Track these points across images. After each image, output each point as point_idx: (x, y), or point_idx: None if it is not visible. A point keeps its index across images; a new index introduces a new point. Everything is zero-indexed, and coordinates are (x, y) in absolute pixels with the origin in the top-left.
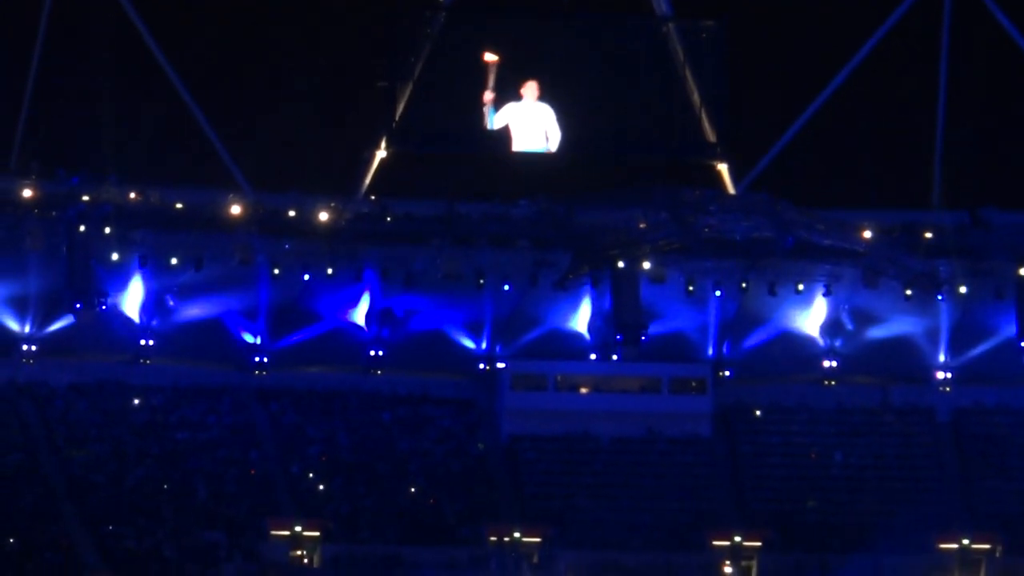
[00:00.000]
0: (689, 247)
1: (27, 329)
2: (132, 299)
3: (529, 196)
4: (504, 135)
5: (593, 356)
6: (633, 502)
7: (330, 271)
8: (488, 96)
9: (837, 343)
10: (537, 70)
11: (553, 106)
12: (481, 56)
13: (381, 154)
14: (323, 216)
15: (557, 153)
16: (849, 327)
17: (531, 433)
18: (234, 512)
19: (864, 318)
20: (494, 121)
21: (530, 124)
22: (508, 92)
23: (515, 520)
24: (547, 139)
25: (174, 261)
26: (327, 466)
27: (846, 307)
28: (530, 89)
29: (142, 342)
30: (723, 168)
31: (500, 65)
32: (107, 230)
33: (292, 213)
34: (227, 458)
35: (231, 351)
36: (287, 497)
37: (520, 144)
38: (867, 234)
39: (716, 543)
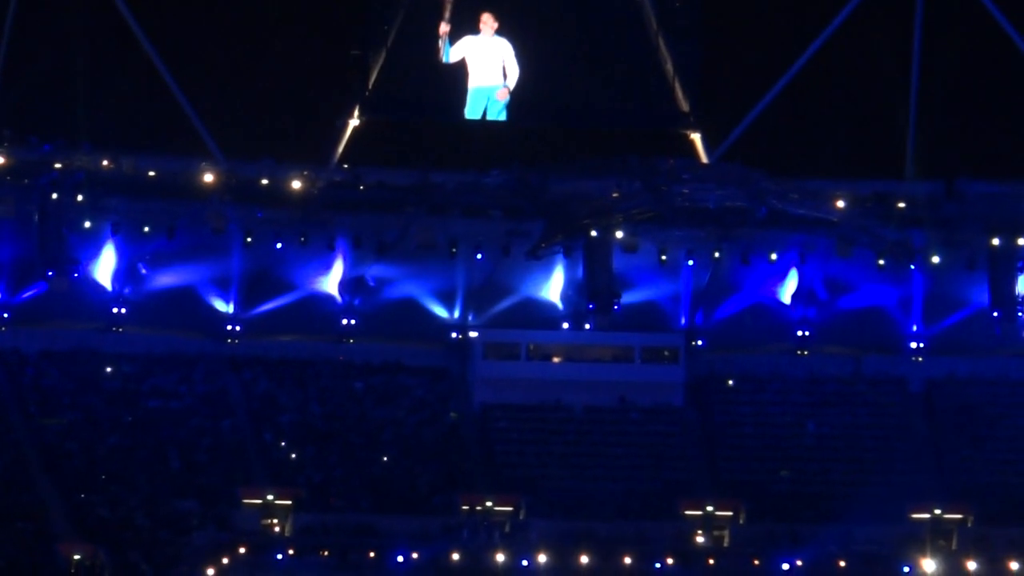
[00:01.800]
0: (662, 216)
1: None
2: (104, 267)
3: (502, 165)
4: (460, 69)
5: (565, 325)
6: (605, 471)
7: (303, 239)
8: (443, 28)
9: (810, 313)
10: (511, 31)
11: (520, 70)
12: None
13: (354, 122)
14: (296, 184)
15: (526, 121)
16: (822, 297)
17: (503, 402)
18: (206, 481)
19: (837, 288)
20: (450, 54)
21: (487, 58)
22: (466, 25)
23: (487, 489)
24: (504, 75)
25: (146, 229)
26: (299, 435)
27: (819, 277)
28: (488, 21)
29: (114, 310)
30: (696, 137)
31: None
32: (79, 198)
33: (265, 181)
34: (199, 427)
35: (203, 319)
36: (259, 466)
37: (476, 79)
38: (840, 204)
39: (688, 512)
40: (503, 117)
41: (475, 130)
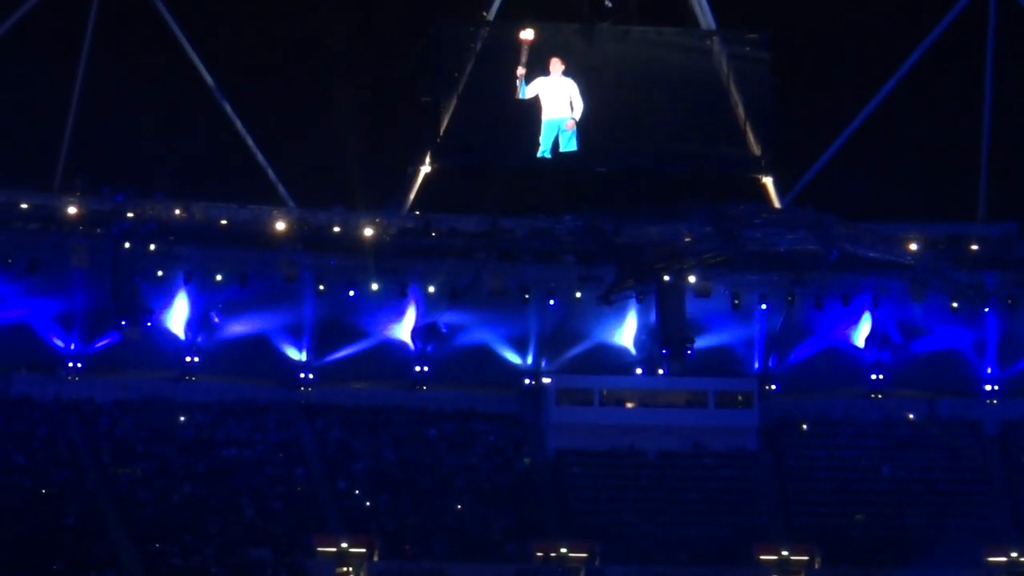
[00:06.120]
0: (735, 261)
1: (73, 346)
2: (177, 316)
3: (574, 210)
4: (532, 107)
5: (639, 370)
6: (679, 517)
7: (375, 287)
8: (520, 71)
9: (884, 356)
10: (580, 81)
11: (593, 115)
12: (516, 34)
13: (425, 169)
14: (368, 232)
15: (598, 166)
16: (896, 340)
17: (577, 448)
18: (280, 529)
19: (911, 331)
20: (526, 92)
21: (557, 94)
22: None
23: (561, 536)
24: (572, 108)
25: (219, 277)
26: (373, 482)
27: (892, 320)
28: (556, 64)
29: (187, 359)
30: (768, 181)
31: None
32: (152, 247)
33: (337, 229)
34: (273, 475)
35: (276, 367)
36: (333, 513)
37: (548, 113)
38: (913, 246)
39: (763, 558)
40: (573, 146)
41: (547, 175)
